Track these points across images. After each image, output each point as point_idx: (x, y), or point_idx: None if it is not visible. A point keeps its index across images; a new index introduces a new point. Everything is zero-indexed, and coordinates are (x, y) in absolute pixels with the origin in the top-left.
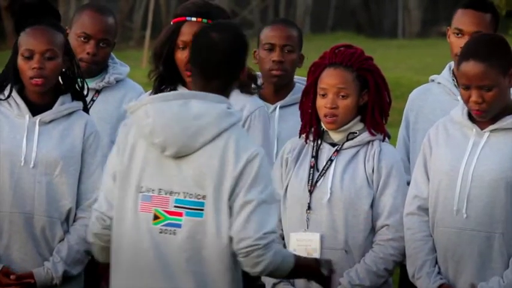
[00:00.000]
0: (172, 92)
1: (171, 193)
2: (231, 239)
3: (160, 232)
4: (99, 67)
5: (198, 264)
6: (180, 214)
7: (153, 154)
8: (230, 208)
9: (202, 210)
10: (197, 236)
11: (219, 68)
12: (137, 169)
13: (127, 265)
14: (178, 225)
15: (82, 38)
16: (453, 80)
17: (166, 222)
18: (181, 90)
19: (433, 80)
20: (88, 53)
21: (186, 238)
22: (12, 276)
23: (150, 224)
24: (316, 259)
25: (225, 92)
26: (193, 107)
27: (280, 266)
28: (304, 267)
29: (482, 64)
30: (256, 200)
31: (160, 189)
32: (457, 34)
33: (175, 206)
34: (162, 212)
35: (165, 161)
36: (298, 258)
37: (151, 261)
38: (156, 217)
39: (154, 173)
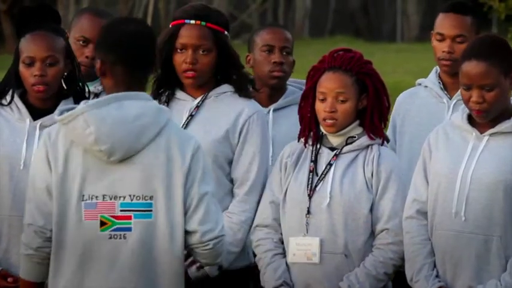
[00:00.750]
0: (104, 97)
1: (115, 197)
2: (188, 234)
3: (110, 238)
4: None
5: (151, 267)
6: (128, 217)
7: (92, 160)
8: (184, 204)
9: (151, 211)
10: (148, 237)
11: (142, 59)
12: (76, 178)
13: (77, 275)
14: (128, 229)
15: (81, 42)
16: (439, 83)
17: (114, 227)
18: (179, 93)
19: (419, 84)
20: (87, 57)
21: (137, 241)
22: (9, 279)
23: (98, 231)
24: None
25: (144, 87)
26: (129, 108)
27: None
28: None
29: (484, 63)
30: (210, 192)
31: (104, 195)
32: (439, 39)
33: (121, 210)
34: (109, 217)
35: (107, 166)
36: None
37: (103, 268)
38: (103, 223)
39: (96, 180)
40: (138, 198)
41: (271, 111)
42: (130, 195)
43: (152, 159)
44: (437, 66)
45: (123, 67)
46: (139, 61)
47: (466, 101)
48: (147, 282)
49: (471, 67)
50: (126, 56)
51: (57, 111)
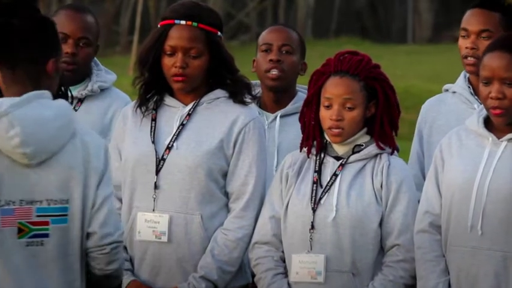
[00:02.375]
0: (22, 97)
1: (32, 202)
2: (88, 236)
3: (27, 245)
4: (81, 71)
5: (68, 272)
6: (45, 223)
7: (6, 164)
8: (93, 205)
9: (66, 215)
10: (64, 243)
11: (18, 53)
12: None
13: None
14: (46, 235)
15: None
16: (469, 87)
17: (31, 234)
18: (168, 99)
19: (447, 90)
20: (67, 53)
21: (54, 247)
22: None
23: (16, 239)
24: None
25: (39, 85)
26: (43, 108)
27: (120, 267)
28: None
29: (508, 55)
30: (112, 194)
31: (21, 200)
32: (464, 36)
33: (38, 216)
34: (26, 223)
35: (24, 170)
36: None
37: (23, 278)
38: (20, 230)
39: (13, 184)
40: (55, 202)
41: (278, 117)
42: (47, 200)
43: (69, 161)
44: (465, 71)
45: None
46: (15, 59)
47: (485, 98)
48: (65, 287)
49: (494, 58)
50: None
51: None
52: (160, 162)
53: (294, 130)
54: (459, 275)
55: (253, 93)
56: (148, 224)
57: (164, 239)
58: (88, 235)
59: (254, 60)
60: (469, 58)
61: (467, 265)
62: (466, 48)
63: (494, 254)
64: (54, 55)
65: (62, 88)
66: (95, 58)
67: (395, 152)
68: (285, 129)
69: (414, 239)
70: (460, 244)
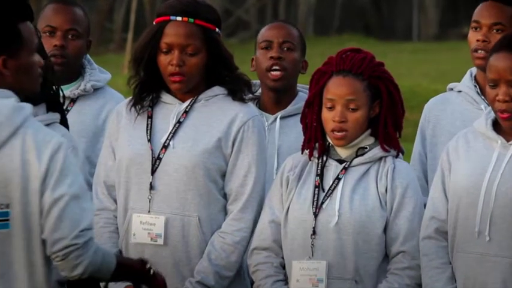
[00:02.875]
0: None
1: None
2: (44, 242)
3: None
4: (72, 66)
5: (10, 279)
6: None
7: None
8: (41, 211)
9: (7, 220)
10: (6, 250)
11: None
12: None
13: None
14: None
15: (48, 33)
16: (475, 86)
17: None
18: (164, 96)
19: (451, 89)
20: (55, 45)
21: None
22: None
23: None
24: (141, 259)
25: (8, 81)
26: None
27: (101, 266)
28: (128, 267)
29: None
30: (67, 195)
31: None
32: (475, 28)
33: None
34: None
35: None
36: (121, 258)
37: None
38: None
39: None
40: None
41: (278, 119)
42: None
43: (6, 163)
44: (472, 69)
45: None
46: None
47: (492, 101)
48: None
49: (500, 59)
50: None
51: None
52: (156, 161)
53: (294, 132)
54: (466, 283)
55: (252, 89)
56: (144, 226)
57: (160, 241)
58: (44, 242)
59: (253, 59)
60: (479, 51)
61: (474, 272)
62: (478, 41)
63: (503, 261)
64: (3, 53)
65: (54, 87)
66: (89, 56)
67: (400, 154)
68: (285, 131)
69: (420, 246)
70: (467, 250)
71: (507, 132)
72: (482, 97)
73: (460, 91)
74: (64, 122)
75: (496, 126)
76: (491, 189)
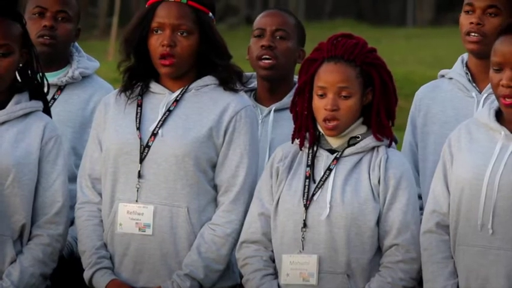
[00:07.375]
0: None
1: None
2: None
3: None
4: (60, 51)
5: None
6: None
7: None
8: None
9: None
10: None
11: None
12: None
13: None
14: None
15: (37, 15)
16: (467, 74)
17: None
18: (154, 86)
19: (443, 76)
20: (45, 26)
21: None
22: None
23: None
24: None
25: None
26: None
27: None
28: None
29: None
30: None
31: None
32: (468, 12)
33: None
34: None
35: None
36: None
37: None
38: None
39: None
40: None
41: (272, 111)
42: None
43: None
44: (463, 55)
45: None
46: None
47: (495, 86)
48: None
49: (506, 43)
50: None
51: (10, 105)
52: (144, 149)
53: (289, 125)
54: (468, 277)
55: (243, 80)
56: (131, 216)
57: (149, 231)
58: None
59: (249, 47)
60: (472, 35)
61: (477, 266)
62: (471, 23)
63: (506, 254)
64: None
65: (38, 76)
66: (77, 44)
67: (393, 143)
68: (279, 124)
69: (420, 240)
70: (469, 243)
71: (511, 122)
72: (474, 84)
73: (451, 78)
74: (47, 111)
75: (499, 116)
76: (493, 181)
